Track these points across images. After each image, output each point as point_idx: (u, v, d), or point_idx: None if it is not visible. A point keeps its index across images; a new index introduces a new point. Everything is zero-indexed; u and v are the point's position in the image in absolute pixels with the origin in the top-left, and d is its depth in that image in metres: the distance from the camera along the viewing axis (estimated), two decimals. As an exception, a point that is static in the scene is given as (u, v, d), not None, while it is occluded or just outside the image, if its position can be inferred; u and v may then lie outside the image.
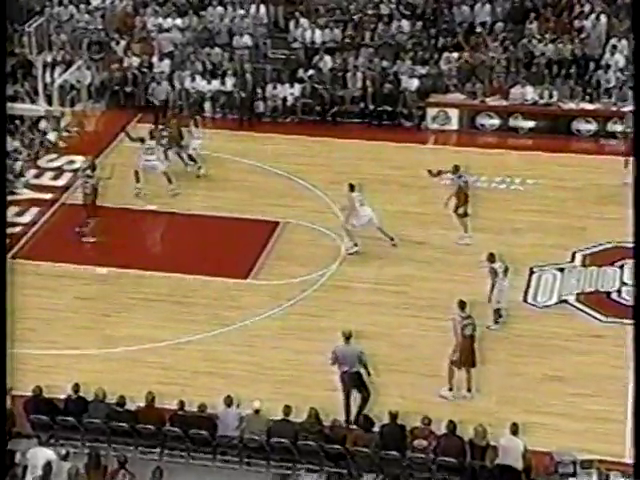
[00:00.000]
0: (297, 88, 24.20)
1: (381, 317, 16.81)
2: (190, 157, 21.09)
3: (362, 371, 14.22)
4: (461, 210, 18.55)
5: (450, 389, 14.83)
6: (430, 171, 19.64)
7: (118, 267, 18.19)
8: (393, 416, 13.48)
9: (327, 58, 24.64)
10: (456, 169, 18.55)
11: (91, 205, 18.37)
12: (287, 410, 13.66)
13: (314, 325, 16.67)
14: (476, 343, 14.80)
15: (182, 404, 13.86)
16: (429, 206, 19.73)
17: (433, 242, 18.85)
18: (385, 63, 24.50)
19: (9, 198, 20.37)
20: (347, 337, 14.31)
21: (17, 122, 22.58)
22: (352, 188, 18.52)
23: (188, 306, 17.21)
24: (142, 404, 13.95)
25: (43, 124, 22.75)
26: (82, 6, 26.23)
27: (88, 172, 18.15)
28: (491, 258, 16.41)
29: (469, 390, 14.91)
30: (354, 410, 14.28)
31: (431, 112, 23.63)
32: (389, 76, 24.16)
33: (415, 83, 24.04)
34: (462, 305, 14.79)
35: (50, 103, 21.59)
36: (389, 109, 23.72)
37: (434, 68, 24.34)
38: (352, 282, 17.76)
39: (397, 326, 16.60)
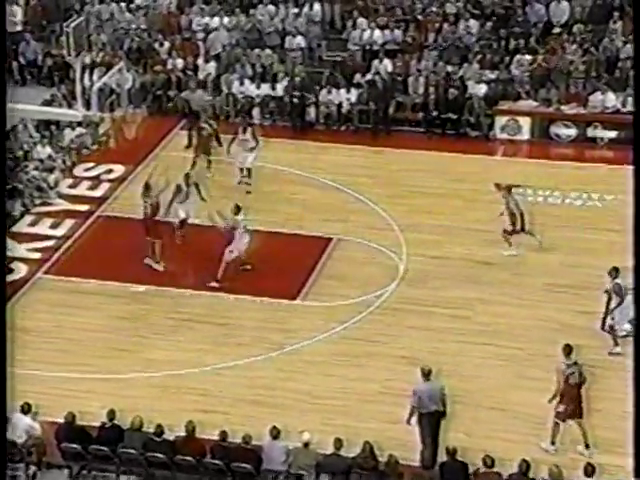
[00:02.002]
0: (353, 94, 24.35)
1: (442, 344, 16.79)
2: (249, 171, 21.17)
3: (442, 410, 14.20)
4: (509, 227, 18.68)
5: (553, 443, 14.50)
6: (498, 185, 19.58)
7: (157, 285, 18.43)
8: (452, 452, 13.44)
9: (387, 61, 24.78)
10: (509, 190, 18.70)
11: (152, 225, 18.41)
12: (338, 443, 13.69)
13: (369, 351, 16.71)
14: (584, 390, 14.45)
15: (224, 435, 13.96)
16: (496, 223, 19.64)
17: (499, 262, 18.80)
18: (450, 67, 24.55)
19: (43, 209, 20.93)
20: (427, 374, 14.22)
21: (52, 128, 23.07)
22: (238, 210, 18.36)
23: (232, 328, 17.37)
24: (181, 434, 14.06)
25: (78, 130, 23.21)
26: (123, 4, 26.75)
27: (143, 192, 18.39)
28: (614, 273, 16.17)
29: (587, 446, 14.46)
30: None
31: (500, 121, 23.60)
32: (454, 81, 24.20)
33: (483, 89, 24.03)
34: (568, 351, 14.34)
35: (88, 108, 21.97)
36: (454, 117, 23.74)
37: (504, 73, 24.31)
38: (411, 305, 17.79)
39: (459, 354, 16.57)
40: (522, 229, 18.76)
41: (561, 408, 14.35)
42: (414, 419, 14.17)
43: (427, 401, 14.12)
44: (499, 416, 15.13)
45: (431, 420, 14.16)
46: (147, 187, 18.53)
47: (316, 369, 16.36)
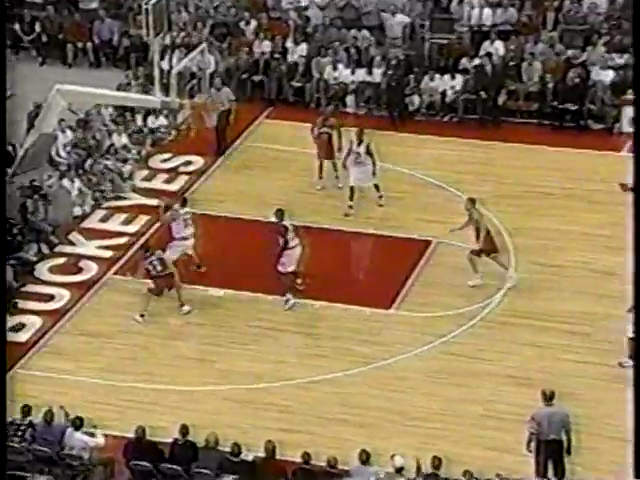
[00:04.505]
0: (459, 80, 24.22)
1: (554, 362, 16.62)
2: (376, 187, 20.61)
3: (564, 439, 14.03)
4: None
5: None
6: (624, 185, 19.28)
7: (236, 289, 18.56)
8: (565, 486, 13.29)
9: (498, 43, 24.56)
10: (473, 203, 18.36)
11: (164, 279, 17.92)
12: (437, 462, 13.61)
13: (471, 368, 16.64)
14: None
15: (308, 457, 14.01)
16: (619, 228, 19.31)
17: (623, 272, 18.41)
18: (571, 51, 24.22)
19: (115, 204, 21.30)
20: (549, 397, 14.09)
21: (127, 114, 23.46)
22: (185, 202, 18.78)
23: (318, 339, 17.46)
24: (261, 454, 14.18)
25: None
26: (207, -19, 27.10)
27: (144, 255, 18.18)
28: None
29: None
30: None
31: (628, 112, 23.16)
32: (576, 67, 23.86)
33: (609, 76, 23.66)
34: None
35: (167, 93, 22.31)
36: (574, 108, 23.42)
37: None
38: (519, 318, 17.63)
39: (575, 375, 16.37)
40: (487, 253, 18.27)
41: None
42: (532, 446, 14.02)
43: (547, 428, 13.96)
44: (621, 447, 14.79)
45: (549, 449, 13.98)
46: (147, 249, 18.26)
47: (411, 387, 16.31)
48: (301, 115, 23.79)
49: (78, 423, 14.37)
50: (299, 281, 18.18)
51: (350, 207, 20.48)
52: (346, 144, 20.73)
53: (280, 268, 17.93)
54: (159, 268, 17.87)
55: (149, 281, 17.95)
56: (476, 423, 15.49)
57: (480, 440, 15.12)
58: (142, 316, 17.86)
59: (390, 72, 24.33)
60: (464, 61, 24.52)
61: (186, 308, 18.06)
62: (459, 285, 18.41)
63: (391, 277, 18.71)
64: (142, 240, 19.80)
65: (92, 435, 14.44)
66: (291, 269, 17.96)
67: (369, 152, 20.42)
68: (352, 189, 20.48)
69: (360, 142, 20.45)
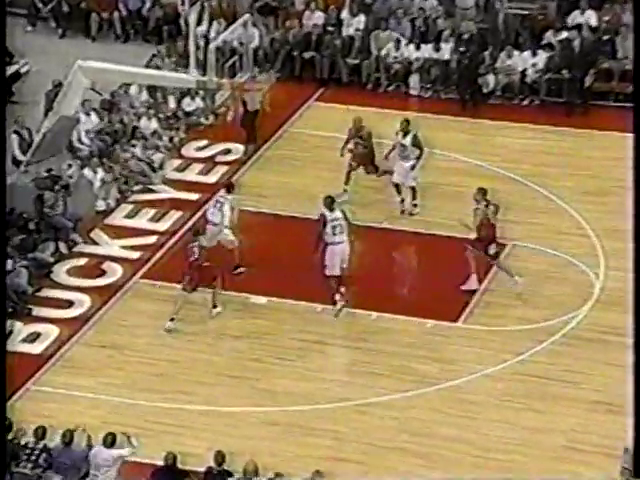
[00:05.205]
0: (542, 57, 24.14)
1: (650, 387, 16.47)
2: (413, 190, 20.67)
3: None
4: (492, 250, 18.33)
5: None
6: None
7: (279, 296, 18.63)
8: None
9: (590, 13, 24.46)
10: (483, 194, 18.40)
11: (204, 270, 18.21)
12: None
13: (551, 392, 16.59)
14: None
15: (361, 490, 14.10)
16: None
17: None
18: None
19: (143, 197, 21.47)
20: None
21: (158, 96, 23.61)
22: (230, 188, 19.23)
23: (374, 355, 17.45)
24: (306, 486, 14.27)
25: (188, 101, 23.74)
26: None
27: (193, 238, 18.56)
28: None
29: None
30: None
31: None
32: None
33: None
34: None
35: (204, 71, 22.43)
36: (678, 90, 23.27)
37: None
38: (609, 335, 17.55)
39: (673, 401, 16.21)
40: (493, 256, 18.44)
41: None
42: None
43: None
44: None
45: None
46: (196, 232, 18.61)
47: (481, 412, 16.29)
48: (357, 97, 23.98)
49: (110, 440, 14.45)
50: (342, 290, 18.13)
51: (402, 201, 20.61)
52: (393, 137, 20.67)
53: (325, 271, 17.99)
54: (197, 255, 18.07)
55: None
56: (557, 456, 15.42)
57: (562, 475, 15.03)
58: (172, 320, 17.99)
59: (461, 48, 24.36)
60: (548, 35, 24.51)
61: (217, 310, 18.23)
62: (538, 295, 18.40)
63: (458, 285, 18.65)
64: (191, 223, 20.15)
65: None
66: (336, 272, 18.00)
67: (416, 144, 20.37)
68: (397, 186, 20.59)
69: (405, 133, 20.39)
